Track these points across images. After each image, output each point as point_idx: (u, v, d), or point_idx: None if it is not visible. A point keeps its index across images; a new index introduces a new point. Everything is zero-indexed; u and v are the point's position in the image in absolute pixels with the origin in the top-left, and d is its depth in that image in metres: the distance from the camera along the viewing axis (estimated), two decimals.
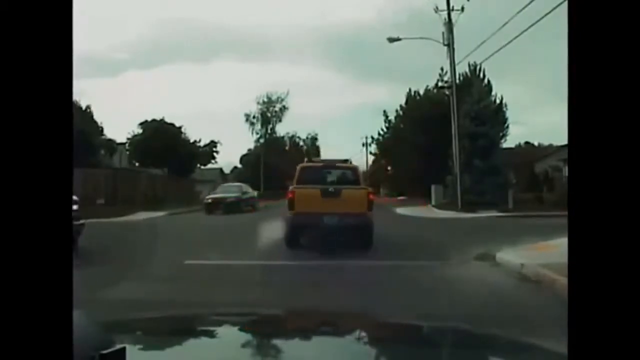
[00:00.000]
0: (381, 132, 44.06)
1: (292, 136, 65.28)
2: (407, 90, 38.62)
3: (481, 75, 31.06)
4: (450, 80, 24.28)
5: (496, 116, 28.21)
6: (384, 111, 43.10)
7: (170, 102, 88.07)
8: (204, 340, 1.63)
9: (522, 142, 48.30)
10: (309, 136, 68.39)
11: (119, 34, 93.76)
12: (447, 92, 32.76)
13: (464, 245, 10.61)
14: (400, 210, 25.30)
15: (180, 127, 41.41)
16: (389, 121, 41.74)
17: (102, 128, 37.50)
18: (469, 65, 30.59)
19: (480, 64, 30.14)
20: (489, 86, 30.11)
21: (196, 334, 1.68)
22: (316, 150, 68.78)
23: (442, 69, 26.51)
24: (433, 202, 27.06)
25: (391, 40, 25.04)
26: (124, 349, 0.81)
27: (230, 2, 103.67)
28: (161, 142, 37.76)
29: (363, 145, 62.87)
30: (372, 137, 47.34)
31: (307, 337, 1.66)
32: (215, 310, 2.67)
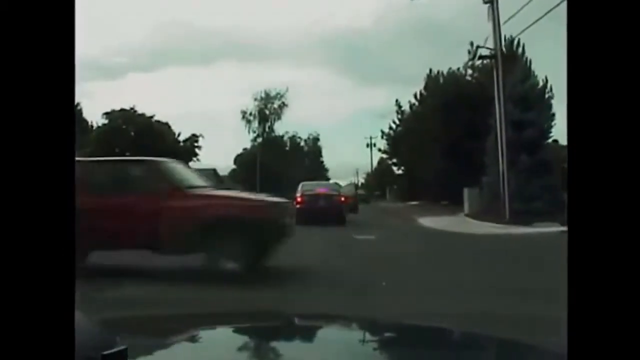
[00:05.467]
0: (392, 126, 38.23)
1: (293, 136, 59.62)
2: (427, 71, 32.25)
3: (520, 50, 25.25)
4: (494, 48, 18.22)
5: (542, 101, 22.45)
6: (397, 100, 37.35)
7: (168, 104, 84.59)
8: (207, 340, 1.56)
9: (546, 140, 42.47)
10: (311, 136, 62.76)
11: (116, 37, 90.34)
12: (476, 75, 27.12)
13: None
14: (425, 222, 19.40)
15: (151, 117, 35.07)
16: (402, 112, 35.92)
17: (92, 126, 36.56)
18: (505, 39, 24.71)
19: (518, 38, 24.45)
20: (529, 64, 24.17)
21: (199, 334, 1.63)
22: (318, 151, 63.83)
23: (471, 44, 20.64)
24: (466, 211, 21.09)
25: None
26: (125, 349, 0.80)
27: (230, 6, 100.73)
28: (130, 135, 31.76)
29: (367, 146, 59.49)
30: (382, 131, 41.16)
31: (307, 339, 1.68)
32: (218, 311, 2.70)
